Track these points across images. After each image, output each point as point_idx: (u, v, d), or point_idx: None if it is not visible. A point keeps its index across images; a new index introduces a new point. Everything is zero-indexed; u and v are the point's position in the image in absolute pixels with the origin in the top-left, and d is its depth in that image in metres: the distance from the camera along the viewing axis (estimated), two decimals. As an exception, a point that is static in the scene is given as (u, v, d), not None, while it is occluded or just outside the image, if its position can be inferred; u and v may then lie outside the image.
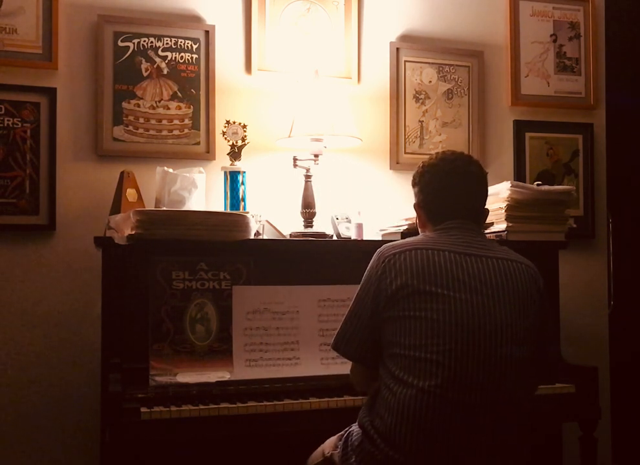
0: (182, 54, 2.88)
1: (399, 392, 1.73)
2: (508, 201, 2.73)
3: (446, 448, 1.70)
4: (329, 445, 1.99)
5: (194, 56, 2.89)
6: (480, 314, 1.74)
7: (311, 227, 2.78)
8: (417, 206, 2.03)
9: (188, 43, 2.89)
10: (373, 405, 1.83)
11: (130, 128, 2.80)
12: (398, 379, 1.74)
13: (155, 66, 2.85)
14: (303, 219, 2.79)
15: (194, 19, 2.92)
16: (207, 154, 2.89)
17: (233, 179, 2.73)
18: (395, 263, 1.81)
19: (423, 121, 3.20)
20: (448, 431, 1.69)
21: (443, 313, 1.74)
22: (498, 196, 2.78)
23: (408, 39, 3.19)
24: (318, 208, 2.80)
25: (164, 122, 2.85)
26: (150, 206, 2.63)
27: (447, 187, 1.94)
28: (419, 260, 1.80)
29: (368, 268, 1.90)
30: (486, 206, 2.00)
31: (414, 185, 2.03)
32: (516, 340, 1.76)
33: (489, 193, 2.80)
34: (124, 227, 2.30)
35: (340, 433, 1.96)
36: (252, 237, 2.45)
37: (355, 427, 1.88)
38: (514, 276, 1.83)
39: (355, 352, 1.89)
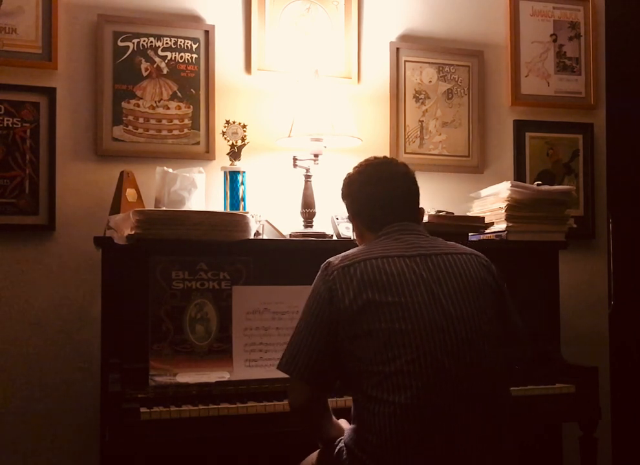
0: (182, 54, 2.88)
1: (377, 411, 1.67)
2: (508, 201, 2.73)
3: (434, 457, 1.66)
4: (319, 459, 1.93)
5: (194, 56, 2.89)
6: (440, 315, 1.71)
7: (311, 227, 2.78)
8: (352, 218, 2.00)
9: (188, 43, 2.89)
10: (357, 429, 1.77)
11: (130, 128, 2.80)
12: (373, 397, 1.69)
13: (155, 66, 2.84)
14: (303, 219, 2.78)
15: (194, 19, 2.92)
16: (207, 154, 2.88)
17: (233, 179, 2.73)
18: (346, 277, 1.76)
19: (423, 120, 3.20)
20: (433, 439, 1.66)
21: (404, 322, 1.69)
22: (498, 195, 2.79)
23: (408, 39, 3.19)
24: (318, 208, 2.79)
25: (164, 122, 2.84)
26: (150, 206, 2.63)
27: (378, 191, 1.91)
28: (369, 272, 1.75)
29: (315, 281, 1.82)
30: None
31: (344, 197, 2.01)
32: (483, 332, 1.73)
33: (488, 193, 2.85)
34: (124, 227, 2.30)
35: (331, 445, 1.89)
36: (252, 237, 2.45)
37: (343, 445, 1.82)
38: (467, 268, 1.81)
39: (308, 371, 1.77)
